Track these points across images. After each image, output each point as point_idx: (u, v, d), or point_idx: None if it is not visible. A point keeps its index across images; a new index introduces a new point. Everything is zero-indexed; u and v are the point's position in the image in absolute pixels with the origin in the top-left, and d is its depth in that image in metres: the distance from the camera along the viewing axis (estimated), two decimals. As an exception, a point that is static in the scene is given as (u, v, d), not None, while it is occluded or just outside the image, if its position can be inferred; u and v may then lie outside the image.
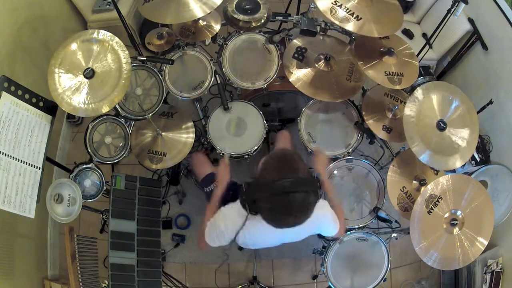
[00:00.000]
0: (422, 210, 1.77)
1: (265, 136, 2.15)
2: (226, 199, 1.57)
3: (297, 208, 1.14)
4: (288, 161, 1.20)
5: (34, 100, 1.71)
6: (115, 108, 1.91)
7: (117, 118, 1.97)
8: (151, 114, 1.99)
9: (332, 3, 1.83)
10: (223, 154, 2.08)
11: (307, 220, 1.20)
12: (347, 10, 1.81)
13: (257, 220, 1.29)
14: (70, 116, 2.90)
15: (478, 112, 2.06)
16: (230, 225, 1.38)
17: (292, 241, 1.51)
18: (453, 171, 2.05)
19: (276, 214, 1.16)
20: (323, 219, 1.47)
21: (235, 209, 1.41)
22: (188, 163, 2.67)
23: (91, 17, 2.94)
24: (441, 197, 1.78)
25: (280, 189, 1.12)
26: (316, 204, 1.21)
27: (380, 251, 2.04)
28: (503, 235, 2.36)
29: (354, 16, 1.80)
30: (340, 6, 1.82)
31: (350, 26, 1.77)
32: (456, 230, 1.78)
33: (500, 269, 2.28)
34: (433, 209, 1.78)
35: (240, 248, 2.68)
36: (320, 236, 2.64)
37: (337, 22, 1.78)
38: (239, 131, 2.18)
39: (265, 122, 2.18)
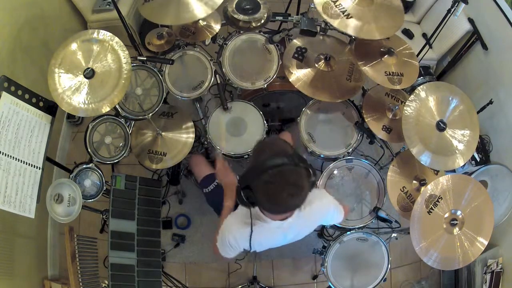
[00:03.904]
0: (422, 210, 1.77)
1: (265, 136, 2.15)
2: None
3: (290, 181, 1.13)
4: (276, 143, 1.26)
5: (34, 100, 1.71)
6: (115, 108, 1.91)
7: (117, 118, 1.97)
8: (151, 114, 1.99)
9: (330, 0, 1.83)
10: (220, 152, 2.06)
11: (303, 201, 1.20)
12: (342, 9, 1.82)
13: (262, 223, 1.31)
14: (70, 116, 2.90)
15: (478, 112, 2.06)
16: (239, 236, 1.36)
17: (300, 236, 1.50)
18: (453, 171, 2.05)
19: (270, 192, 1.14)
20: (329, 209, 1.48)
21: (238, 217, 1.39)
22: (188, 163, 2.67)
23: (91, 17, 2.93)
24: (441, 197, 1.78)
25: (270, 165, 1.12)
26: (314, 190, 1.23)
27: (380, 251, 2.04)
28: (503, 235, 2.36)
29: (345, 14, 1.80)
30: (335, 2, 1.83)
31: (350, 30, 1.78)
32: (456, 230, 1.78)
33: (500, 269, 2.28)
34: (433, 209, 1.78)
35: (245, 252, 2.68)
36: (320, 235, 2.66)
37: (327, 18, 1.79)
38: (239, 131, 2.18)
39: (265, 122, 2.18)
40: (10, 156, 1.55)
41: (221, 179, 1.65)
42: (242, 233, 1.34)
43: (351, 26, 1.79)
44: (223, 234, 1.39)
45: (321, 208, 1.44)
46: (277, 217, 1.30)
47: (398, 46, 2.02)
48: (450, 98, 1.86)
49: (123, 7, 2.90)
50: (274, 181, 1.12)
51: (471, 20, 2.72)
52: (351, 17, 1.80)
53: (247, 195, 1.20)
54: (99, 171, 1.91)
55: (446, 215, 1.78)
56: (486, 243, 1.81)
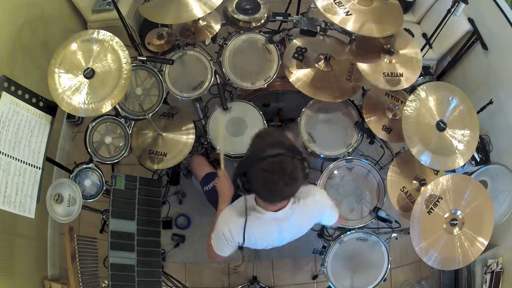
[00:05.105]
0: (422, 210, 1.77)
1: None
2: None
3: (286, 172, 1.17)
4: (275, 134, 1.31)
5: (34, 100, 1.71)
6: (115, 108, 1.91)
7: (117, 118, 1.97)
8: (151, 114, 1.99)
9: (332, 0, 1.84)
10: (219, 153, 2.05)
11: (297, 191, 1.25)
12: (343, 8, 1.82)
13: (256, 214, 1.34)
14: (70, 116, 2.90)
15: (478, 112, 2.06)
16: (233, 227, 1.39)
17: (296, 235, 1.53)
18: (453, 171, 2.05)
19: (267, 180, 1.18)
20: (325, 207, 1.50)
21: (234, 208, 1.43)
22: (188, 163, 2.67)
23: (91, 17, 2.94)
24: (441, 197, 1.78)
25: (269, 154, 1.17)
26: (309, 185, 1.29)
27: (380, 251, 2.04)
28: (503, 235, 2.36)
29: (345, 12, 1.81)
30: (335, 0, 1.84)
31: (349, 28, 1.78)
32: (456, 230, 1.78)
33: (500, 269, 2.28)
34: (433, 209, 1.78)
35: (240, 248, 2.68)
36: (320, 235, 2.66)
37: (327, 16, 1.80)
38: (239, 131, 2.18)
39: (265, 122, 2.17)
40: (10, 156, 1.55)
41: (220, 186, 1.65)
42: (237, 223, 1.37)
43: (351, 25, 1.79)
44: (218, 227, 1.43)
45: (315, 204, 1.46)
46: (271, 207, 1.33)
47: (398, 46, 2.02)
48: (450, 98, 1.86)
49: (123, 7, 2.90)
50: (271, 170, 1.16)
51: (471, 20, 2.72)
52: (350, 14, 1.80)
53: (244, 181, 1.25)
54: (99, 171, 1.91)
55: (446, 215, 1.78)
56: (486, 243, 1.81)
